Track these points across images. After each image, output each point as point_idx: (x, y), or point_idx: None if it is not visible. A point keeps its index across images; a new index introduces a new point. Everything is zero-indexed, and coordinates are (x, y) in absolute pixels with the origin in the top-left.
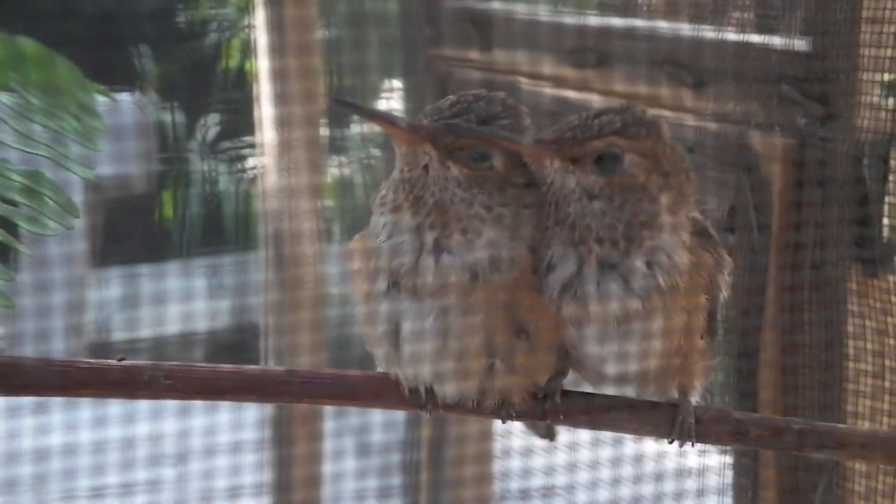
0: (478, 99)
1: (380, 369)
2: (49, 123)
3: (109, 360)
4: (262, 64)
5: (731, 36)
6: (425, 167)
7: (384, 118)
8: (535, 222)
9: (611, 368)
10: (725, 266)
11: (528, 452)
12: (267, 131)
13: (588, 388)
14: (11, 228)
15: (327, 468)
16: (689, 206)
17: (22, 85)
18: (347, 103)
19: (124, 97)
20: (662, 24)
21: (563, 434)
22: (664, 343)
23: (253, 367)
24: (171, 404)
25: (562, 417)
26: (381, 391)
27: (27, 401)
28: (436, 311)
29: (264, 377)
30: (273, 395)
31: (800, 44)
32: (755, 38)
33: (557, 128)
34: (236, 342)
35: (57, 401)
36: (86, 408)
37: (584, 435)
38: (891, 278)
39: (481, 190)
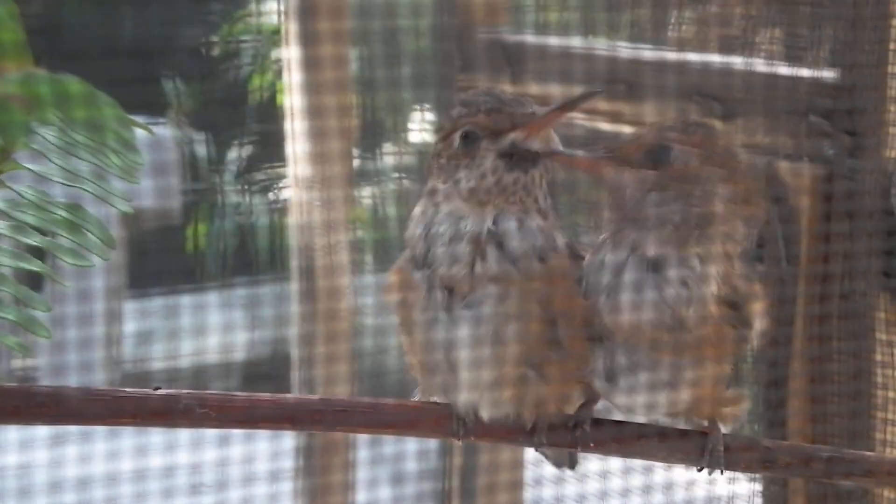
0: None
1: (417, 397)
2: (92, 159)
3: (147, 389)
4: (294, 93)
5: (760, 67)
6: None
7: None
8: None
9: (641, 383)
10: (758, 297)
11: (559, 481)
12: (298, 160)
13: (618, 417)
14: (45, 260)
15: (359, 496)
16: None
17: (65, 122)
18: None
19: (154, 126)
20: (692, 56)
21: (594, 462)
22: (696, 366)
23: (289, 395)
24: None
25: (592, 446)
26: (416, 420)
27: (72, 429)
28: (486, 313)
29: (300, 406)
30: (308, 423)
31: (828, 75)
32: (784, 70)
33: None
34: (269, 370)
35: (89, 427)
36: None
37: (616, 462)
38: None
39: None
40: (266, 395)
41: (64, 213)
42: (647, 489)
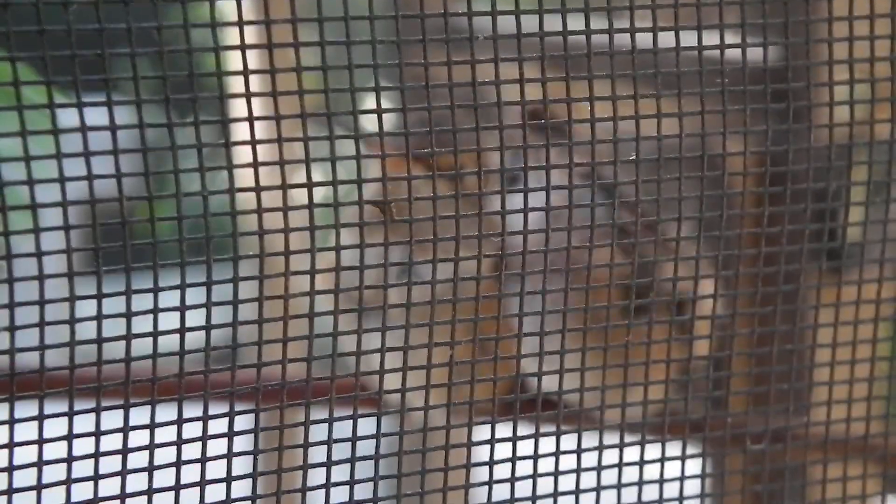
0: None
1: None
2: None
3: (61, 364)
4: (243, 68)
5: (702, 40)
6: (409, 183)
7: (372, 140)
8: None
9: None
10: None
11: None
12: (248, 139)
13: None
14: None
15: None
16: None
17: None
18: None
19: (104, 102)
20: (637, 29)
21: (546, 443)
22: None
23: (202, 369)
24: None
25: (521, 415)
26: (335, 391)
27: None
28: (402, 329)
29: (216, 379)
30: (225, 396)
31: (768, 49)
32: (724, 42)
33: None
34: (221, 354)
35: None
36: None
37: (568, 442)
38: (853, 276)
39: (458, 202)
40: (187, 372)
41: None
42: (598, 469)
